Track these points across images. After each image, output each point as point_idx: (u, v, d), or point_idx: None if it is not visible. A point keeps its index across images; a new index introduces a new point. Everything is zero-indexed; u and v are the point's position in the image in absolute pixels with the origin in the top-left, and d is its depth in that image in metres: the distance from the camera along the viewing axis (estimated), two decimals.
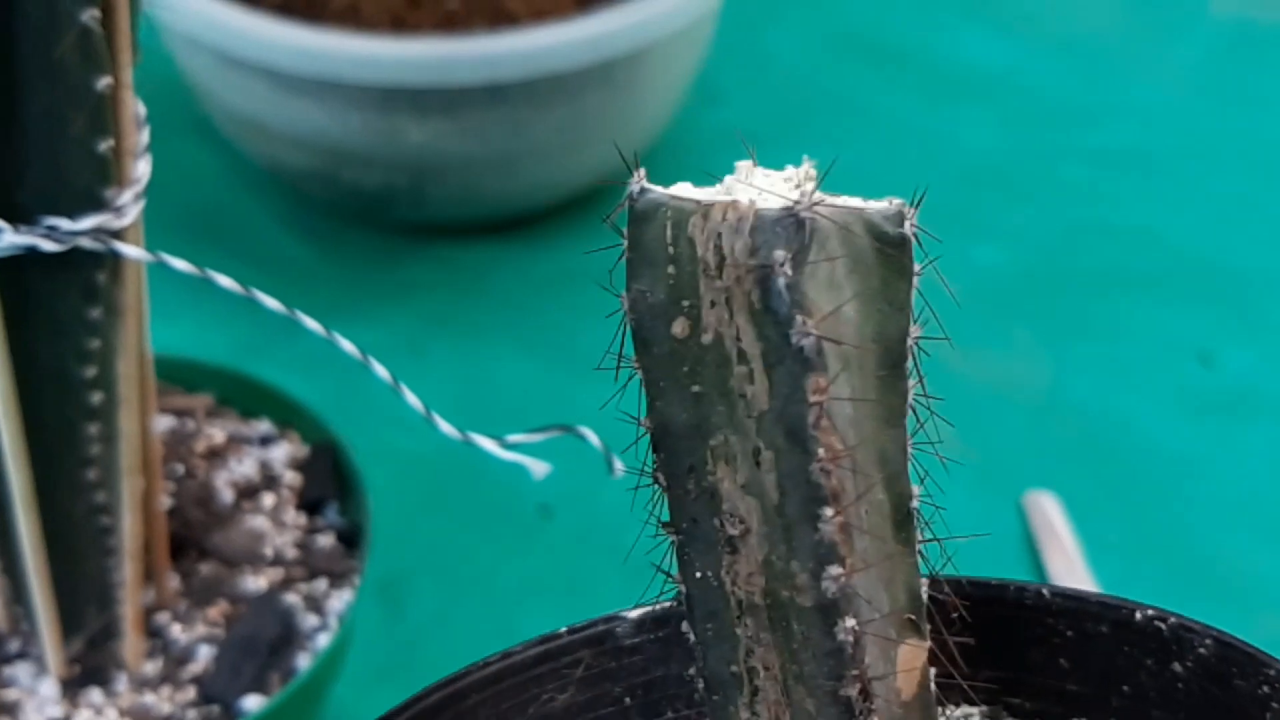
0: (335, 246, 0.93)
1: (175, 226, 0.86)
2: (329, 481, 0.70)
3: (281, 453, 0.72)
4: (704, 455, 0.34)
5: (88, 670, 0.64)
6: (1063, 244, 0.96)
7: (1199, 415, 0.85)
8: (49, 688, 0.63)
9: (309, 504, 0.70)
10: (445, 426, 0.58)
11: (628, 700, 0.42)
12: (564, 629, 0.43)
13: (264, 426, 0.73)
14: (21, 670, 0.64)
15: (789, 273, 0.32)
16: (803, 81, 1.06)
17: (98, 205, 0.52)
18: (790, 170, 0.34)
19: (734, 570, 0.35)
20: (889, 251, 0.33)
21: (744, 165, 0.34)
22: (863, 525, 0.34)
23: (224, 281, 0.55)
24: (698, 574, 0.36)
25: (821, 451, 0.33)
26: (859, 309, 0.33)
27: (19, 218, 0.52)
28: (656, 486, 0.36)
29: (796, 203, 0.32)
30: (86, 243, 0.53)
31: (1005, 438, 0.84)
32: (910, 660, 0.36)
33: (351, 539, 0.69)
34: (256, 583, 0.67)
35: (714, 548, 0.35)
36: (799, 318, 0.32)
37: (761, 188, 0.33)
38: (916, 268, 0.34)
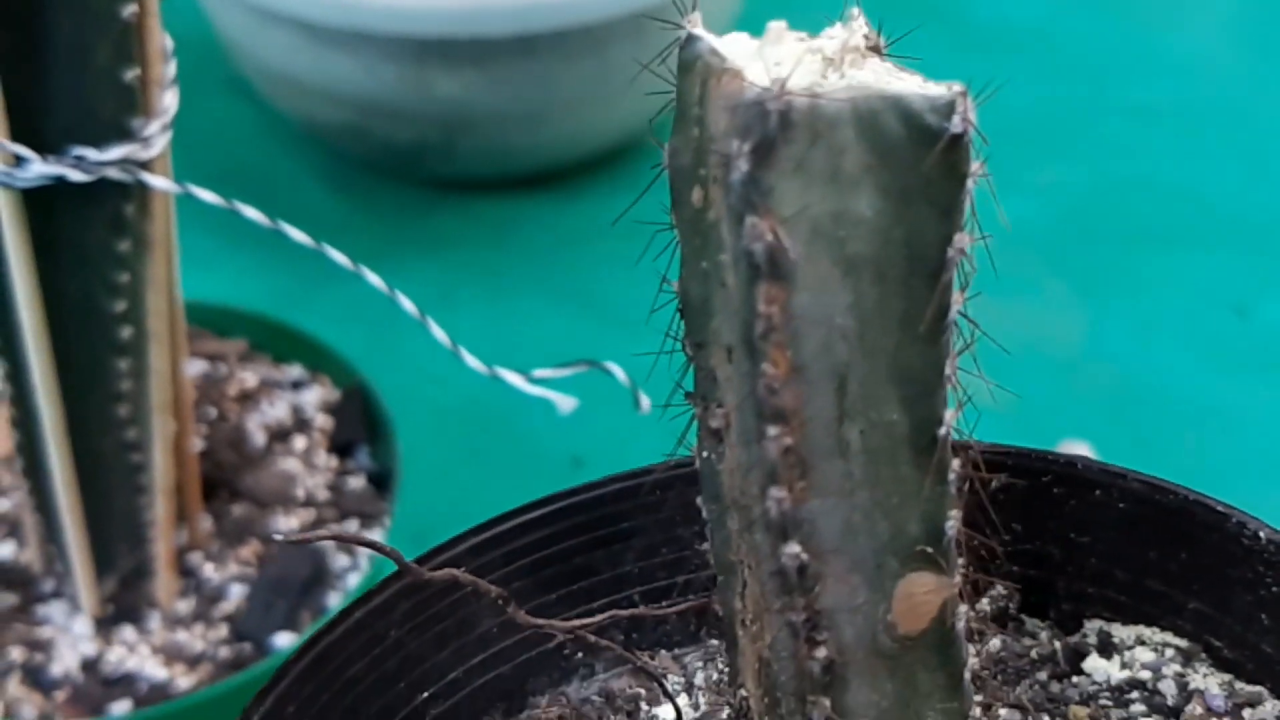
0: (367, 200, 0.94)
1: (210, 182, 0.86)
2: (360, 425, 0.71)
3: (313, 397, 0.72)
4: (707, 335, 0.32)
5: (121, 609, 0.65)
6: (1098, 198, 0.95)
7: (1234, 366, 0.84)
8: (83, 625, 0.64)
9: (340, 447, 0.70)
10: (472, 360, 0.58)
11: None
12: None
13: (296, 371, 0.73)
14: (56, 609, 0.65)
15: (744, 168, 0.28)
16: None
17: (124, 135, 0.53)
18: (833, 32, 0.30)
19: (724, 460, 0.33)
20: (933, 147, 0.29)
21: (776, 27, 0.30)
22: (848, 448, 0.31)
23: (250, 213, 0.55)
24: (704, 454, 0.34)
25: (767, 367, 0.30)
26: (884, 208, 0.29)
27: (47, 148, 0.52)
28: (685, 355, 0.33)
29: (768, 88, 0.28)
30: (114, 173, 0.53)
31: (1040, 388, 0.84)
32: (916, 594, 0.33)
33: (382, 481, 0.69)
34: (288, 523, 0.67)
35: (710, 433, 0.33)
36: (749, 220, 0.29)
37: (780, 58, 0.29)
38: (974, 167, 0.30)
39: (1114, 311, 0.88)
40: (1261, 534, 0.39)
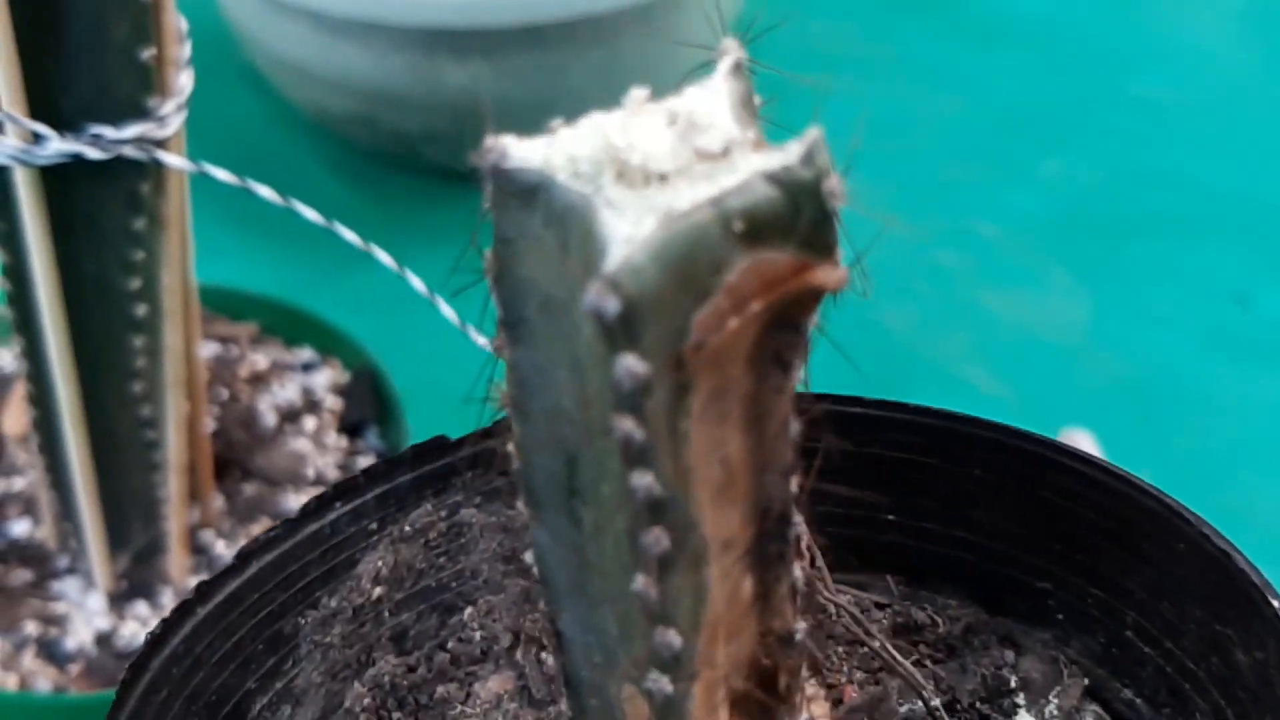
0: (376, 189, 0.94)
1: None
2: (369, 406, 0.72)
3: (323, 378, 0.73)
4: None
5: (134, 585, 0.66)
6: (1101, 188, 0.96)
7: (1234, 355, 0.85)
8: (97, 601, 0.65)
9: (350, 427, 0.71)
10: (479, 338, 0.59)
11: None
12: None
13: (306, 354, 0.74)
14: (70, 585, 0.66)
15: (484, 206, 0.26)
16: (842, 28, 1.07)
17: (141, 114, 0.54)
18: (672, 106, 0.26)
19: None
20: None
21: (637, 96, 0.27)
22: (581, 523, 0.28)
23: (263, 191, 0.56)
24: None
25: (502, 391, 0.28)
26: (596, 341, 0.25)
27: (65, 126, 0.53)
28: None
29: (495, 146, 0.25)
30: (130, 151, 0.54)
31: (1042, 376, 0.85)
32: (639, 704, 0.29)
33: None
34: (298, 501, 0.68)
35: None
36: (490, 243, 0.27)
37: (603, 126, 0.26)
38: (630, 367, 0.25)
39: (1116, 301, 0.89)
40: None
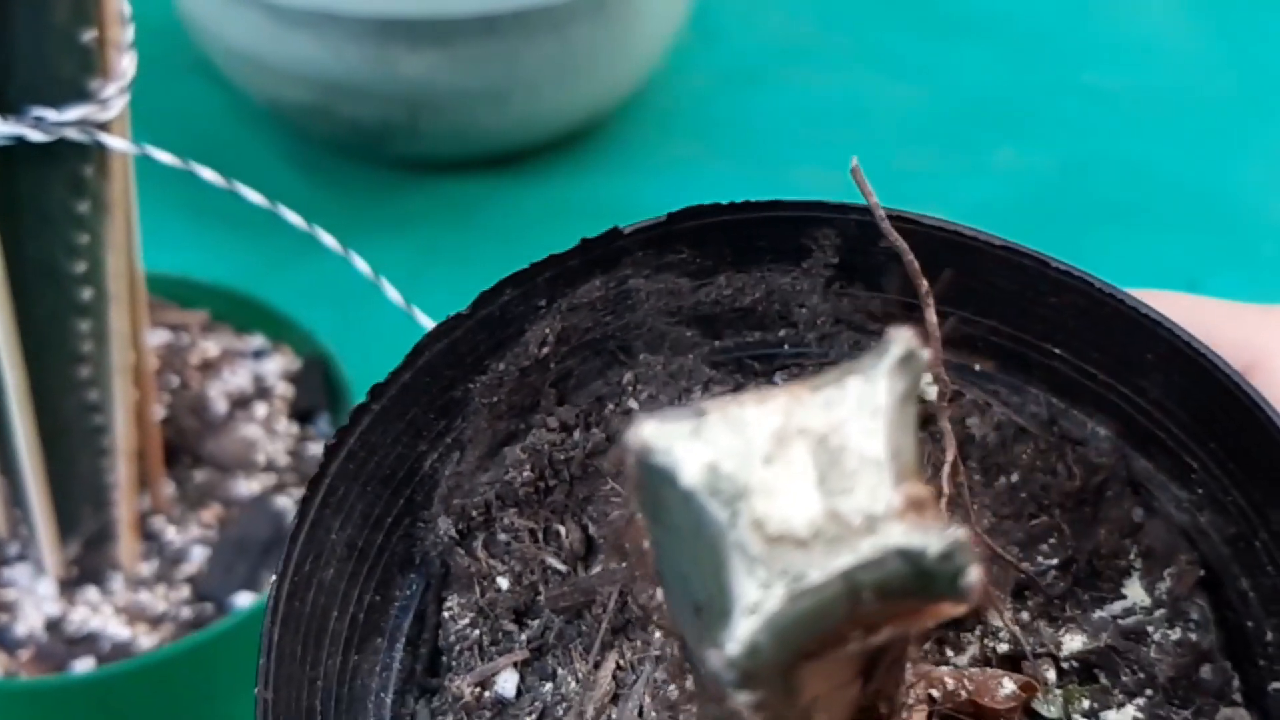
0: (332, 180, 0.95)
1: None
2: (320, 393, 0.72)
3: (274, 365, 0.73)
4: None
5: (85, 571, 0.66)
6: (1054, 177, 0.96)
7: None
8: (47, 587, 0.65)
9: (301, 414, 0.71)
10: (425, 320, 0.59)
11: None
12: None
13: (257, 341, 0.74)
14: (20, 572, 0.66)
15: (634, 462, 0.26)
16: (801, 20, 1.07)
17: (83, 96, 0.54)
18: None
19: None
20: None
21: (792, 399, 0.25)
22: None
23: (206, 174, 0.56)
24: None
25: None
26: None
27: (6, 109, 0.53)
28: None
29: (657, 433, 0.25)
30: (73, 134, 0.54)
31: None
32: None
33: None
34: (249, 487, 0.68)
35: None
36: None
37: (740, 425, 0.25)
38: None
39: None
40: None
